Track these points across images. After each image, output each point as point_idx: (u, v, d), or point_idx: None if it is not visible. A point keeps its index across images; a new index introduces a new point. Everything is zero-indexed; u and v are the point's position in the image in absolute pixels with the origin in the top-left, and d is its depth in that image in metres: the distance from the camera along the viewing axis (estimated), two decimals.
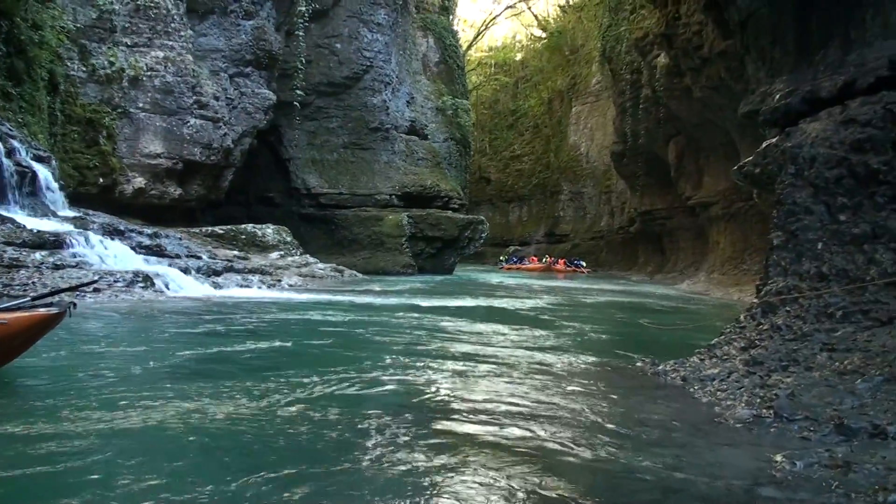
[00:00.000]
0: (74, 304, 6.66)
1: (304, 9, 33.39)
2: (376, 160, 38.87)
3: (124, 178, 26.69)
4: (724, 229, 36.59)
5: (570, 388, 7.48)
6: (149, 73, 27.26)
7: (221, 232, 27.53)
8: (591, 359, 9.58)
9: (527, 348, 10.67)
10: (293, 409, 6.17)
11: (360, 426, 5.66)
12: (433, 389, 7.26)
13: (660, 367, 8.33)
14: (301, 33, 34.08)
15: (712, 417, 6.09)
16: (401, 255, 35.91)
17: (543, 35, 77.18)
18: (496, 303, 20.63)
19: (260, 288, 19.70)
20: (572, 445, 5.22)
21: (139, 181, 26.94)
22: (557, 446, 5.21)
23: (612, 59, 45.23)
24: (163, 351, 8.96)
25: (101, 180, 25.75)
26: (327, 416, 5.92)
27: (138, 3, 26.89)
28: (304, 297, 18.50)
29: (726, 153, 34.11)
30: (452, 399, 6.83)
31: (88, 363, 7.76)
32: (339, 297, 18.77)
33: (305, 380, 7.41)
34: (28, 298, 6.74)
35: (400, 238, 36.20)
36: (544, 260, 58.78)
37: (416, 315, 15.32)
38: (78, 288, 8.59)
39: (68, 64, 25.70)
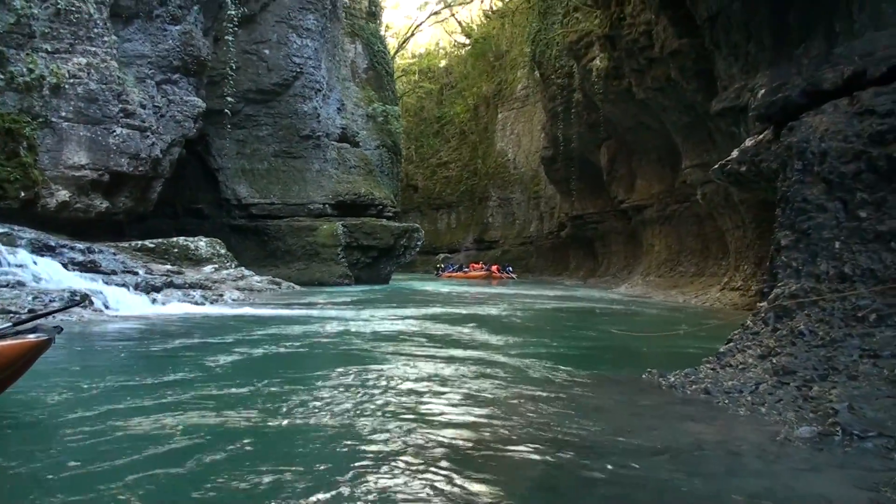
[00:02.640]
0: (60, 329, 5.94)
1: (233, 13, 32.25)
2: (308, 168, 37.85)
3: (47, 191, 25.24)
4: (658, 232, 36.70)
5: (588, 405, 6.90)
6: (71, 81, 25.88)
7: (152, 246, 26.30)
8: (588, 371, 9.01)
9: (513, 357, 10.09)
10: (273, 420, 5.73)
11: (344, 437, 5.02)
12: (422, 407, 6.62)
13: (671, 380, 7.81)
14: (230, 38, 32.94)
15: (771, 437, 5.54)
16: (336, 265, 34.99)
17: (467, 42, 77.10)
18: (448, 311, 20.01)
19: (202, 304, 18.69)
20: (639, 474, 4.63)
21: (63, 194, 25.52)
22: (625, 476, 4.61)
23: (542, 64, 45.11)
24: (122, 374, 8.11)
25: (22, 194, 24.25)
26: (312, 428, 5.36)
27: (59, 7, 25.50)
28: (251, 311, 17.61)
29: (660, 156, 34.23)
30: (452, 425, 6.16)
31: (51, 391, 6.97)
32: (285, 311, 17.93)
33: (276, 392, 6.91)
34: (9, 324, 5.96)
35: (335, 248, 35.27)
36: (479, 267, 58.28)
37: (371, 326, 14.64)
38: (61, 311, 7.74)
39: None
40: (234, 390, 7.30)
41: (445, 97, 75.83)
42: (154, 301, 17.23)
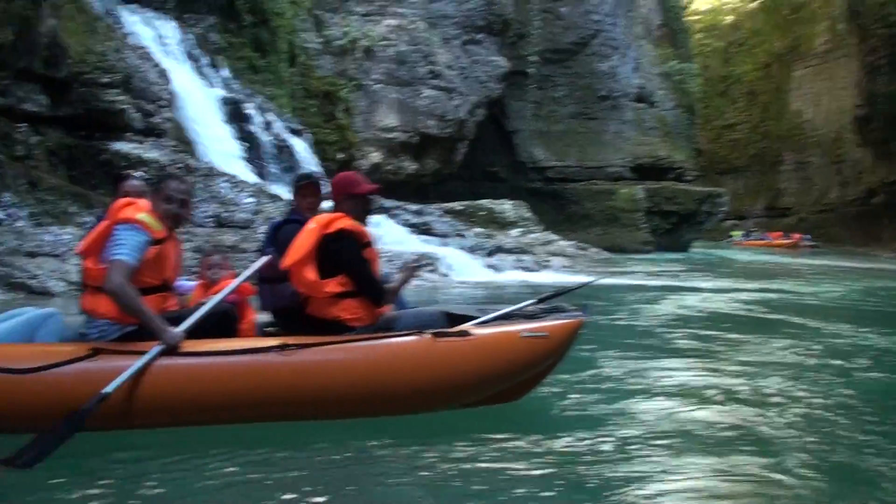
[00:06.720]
0: (585, 305, 4.81)
1: None
2: (605, 130, 36.24)
3: (360, 153, 25.50)
4: None
5: None
6: (382, 43, 25.92)
7: (461, 208, 25.65)
8: None
9: None
10: None
11: None
12: None
13: None
14: None
15: None
16: (638, 230, 33.17)
17: None
18: (817, 285, 17.47)
19: (536, 270, 17.52)
20: None
21: (375, 156, 25.69)
22: None
23: (860, 14, 40.74)
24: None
25: (339, 155, 24.52)
26: None
27: None
28: (600, 280, 16.23)
29: None
30: None
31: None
32: (628, 280, 16.41)
33: None
34: (534, 300, 4.94)
35: (635, 213, 33.47)
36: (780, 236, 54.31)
37: (760, 296, 13.30)
38: (583, 286, 6.59)
39: (303, 35, 24.58)
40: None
41: (732, 55, 71.13)
42: (491, 267, 16.28)
